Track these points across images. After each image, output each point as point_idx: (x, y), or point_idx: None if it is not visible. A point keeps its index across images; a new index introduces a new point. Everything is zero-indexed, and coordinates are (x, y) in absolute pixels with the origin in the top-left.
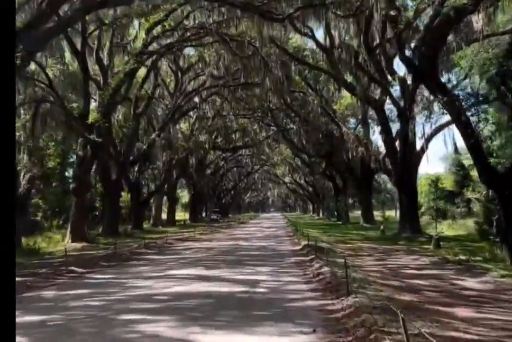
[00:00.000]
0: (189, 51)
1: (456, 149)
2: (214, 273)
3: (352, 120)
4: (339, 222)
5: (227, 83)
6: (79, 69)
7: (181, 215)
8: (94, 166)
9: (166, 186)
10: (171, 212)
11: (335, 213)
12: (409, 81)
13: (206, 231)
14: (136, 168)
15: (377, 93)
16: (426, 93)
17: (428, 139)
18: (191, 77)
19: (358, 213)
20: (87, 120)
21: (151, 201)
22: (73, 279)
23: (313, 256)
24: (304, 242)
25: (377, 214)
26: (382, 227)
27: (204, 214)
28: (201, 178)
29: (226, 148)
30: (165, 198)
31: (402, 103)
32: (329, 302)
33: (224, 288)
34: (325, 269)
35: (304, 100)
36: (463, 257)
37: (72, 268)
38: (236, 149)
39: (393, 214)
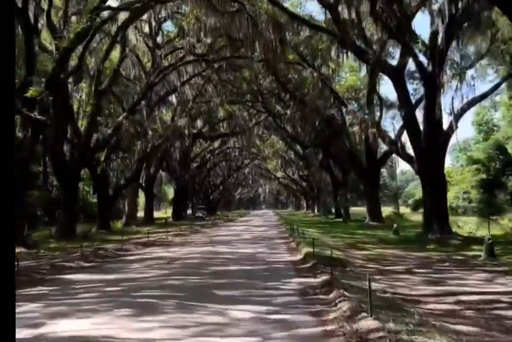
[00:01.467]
0: (169, 26)
1: None
2: (140, 330)
3: (353, 106)
4: (339, 219)
5: (211, 59)
6: (20, 29)
7: (166, 212)
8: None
9: (144, 179)
10: (149, 209)
11: (333, 209)
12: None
13: (184, 231)
14: (103, 158)
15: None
16: (456, 57)
17: (458, 116)
18: (167, 51)
19: (356, 209)
20: (26, 93)
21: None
22: None
23: (326, 277)
24: (305, 249)
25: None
26: (395, 225)
27: (190, 211)
28: (186, 171)
29: (211, 136)
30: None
31: (430, 68)
32: None
33: None
34: (369, 321)
35: (301, 77)
36: None
37: None
38: (222, 138)
39: (396, 210)
